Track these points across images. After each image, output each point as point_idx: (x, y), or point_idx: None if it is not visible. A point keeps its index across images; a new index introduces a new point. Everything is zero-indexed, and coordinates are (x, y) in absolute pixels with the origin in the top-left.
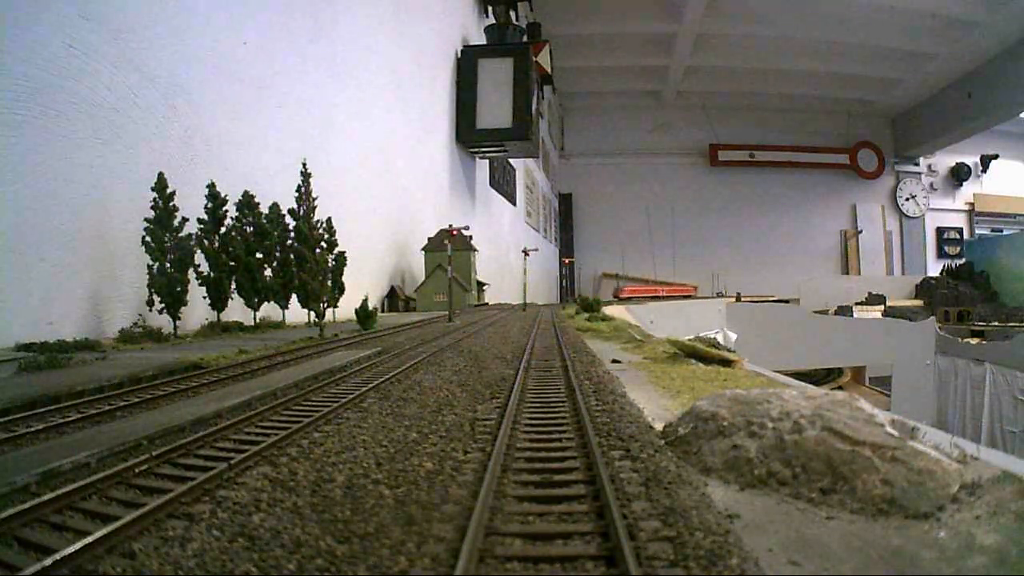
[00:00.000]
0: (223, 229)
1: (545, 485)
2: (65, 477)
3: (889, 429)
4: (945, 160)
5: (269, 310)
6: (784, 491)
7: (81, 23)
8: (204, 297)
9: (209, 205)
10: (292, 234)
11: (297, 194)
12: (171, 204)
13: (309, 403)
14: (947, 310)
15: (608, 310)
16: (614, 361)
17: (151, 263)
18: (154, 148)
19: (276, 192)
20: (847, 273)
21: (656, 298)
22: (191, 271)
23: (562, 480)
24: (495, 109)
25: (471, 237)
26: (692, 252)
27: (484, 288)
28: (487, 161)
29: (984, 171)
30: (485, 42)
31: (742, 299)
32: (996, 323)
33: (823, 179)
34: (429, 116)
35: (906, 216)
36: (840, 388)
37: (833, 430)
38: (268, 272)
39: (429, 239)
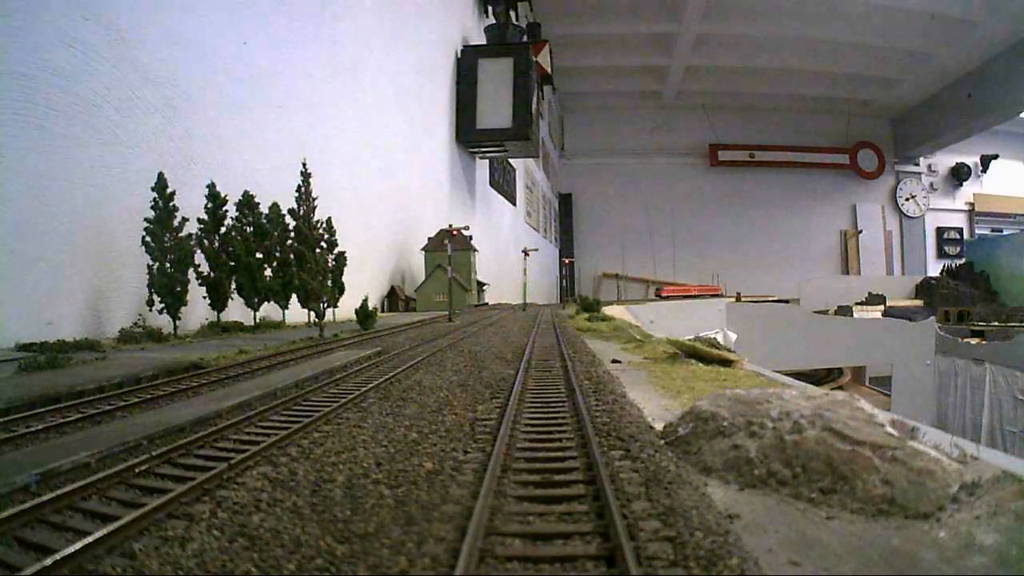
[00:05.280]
0: (223, 229)
1: (545, 485)
2: (65, 477)
3: (889, 429)
4: (945, 160)
5: (269, 310)
6: (784, 491)
7: (81, 23)
8: (204, 297)
9: (209, 205)
10: (292, 234)
11: (297, 194)
12: (171, 204)
13: (309, 403)
14: (947, 310)
15: (608, 310)
16: (614, 361)
17: (151, 263)
18: (154, 148)
19: (276, 192)
20: (847, 273)
21: (689, 296)
22: (191, 271)
23: (562, 480)
24: (495, 109)
25: (471, 237)
26: (692, 252)
27: (484, 288)
28: (487, 161)
29: (984, 171)
30: (485, 42)
31: (742, 299)
32: (996, 323)
33: (823, 179)
34: (429, 116)
35: (906, 216)
36: (840, 388)
37: (833, 430)
38: (268, 272)
39: (429, 239)
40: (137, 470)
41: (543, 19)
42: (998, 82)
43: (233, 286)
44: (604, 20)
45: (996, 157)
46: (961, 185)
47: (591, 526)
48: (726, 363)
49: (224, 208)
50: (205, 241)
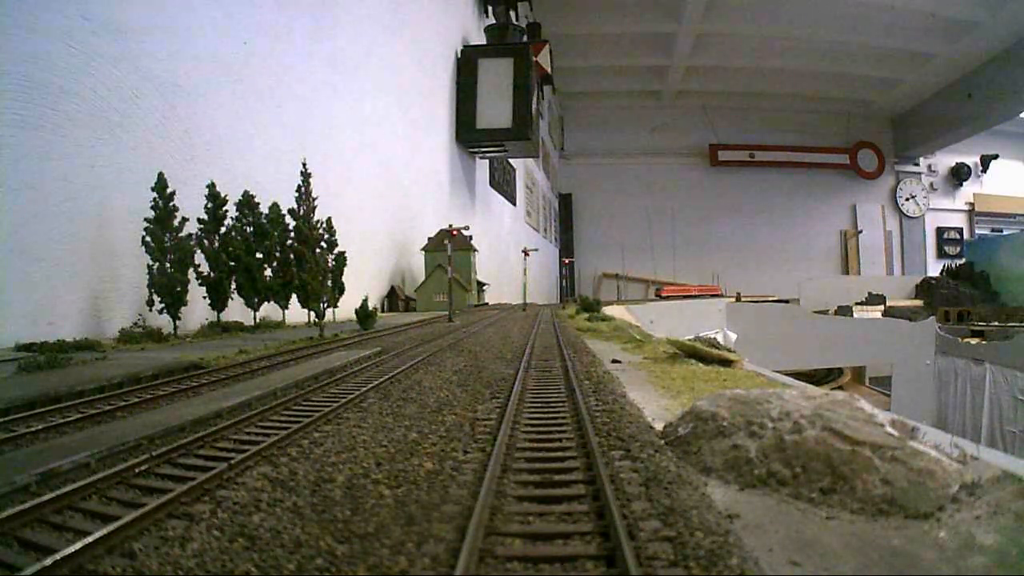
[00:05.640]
0: (223, 229)
1: (545, 485)
2: (65, 477)
3: (889, 429)
4: (945, 160)
5: (269, 310)
6: (784, 491)
7: (81, 23)
8: (204, 297)
9: (209, 205)
10: (292, 234)
11: (297, 194)
12: (171, 204)
13: (309, 403)
14: (947, 310)
15: (608, 310)
16: (614, 361)
17: (151, 263)
18: (154, 148)
19: (276, 192)
20: (847, 273)
21: (689, 296)
22: (191, 271)
23: (562, 480)
24: (495, 109)
25: (471, 237)
26: (692, 252)
27: (484, 288)
28: (487, 161)
29: (984, 171)
30: (485, 42)
31: (742, 299)
32: (996, 323)
33: (823, 179)
34: (429, 116)
35: (906, 216)
36: (840, 388)
37: (833, 430)
38: (268, 272)
39: (429, 239)
40: (137, 470)
41: (543, 19)
42: (998, 82)
43: (233, 286)
44: (604, 20)
45: (996, 157)
46: (961, 185)
47: (591, 526)
48: (726, 363)
49: (224, 208)
50: (205, 241)
